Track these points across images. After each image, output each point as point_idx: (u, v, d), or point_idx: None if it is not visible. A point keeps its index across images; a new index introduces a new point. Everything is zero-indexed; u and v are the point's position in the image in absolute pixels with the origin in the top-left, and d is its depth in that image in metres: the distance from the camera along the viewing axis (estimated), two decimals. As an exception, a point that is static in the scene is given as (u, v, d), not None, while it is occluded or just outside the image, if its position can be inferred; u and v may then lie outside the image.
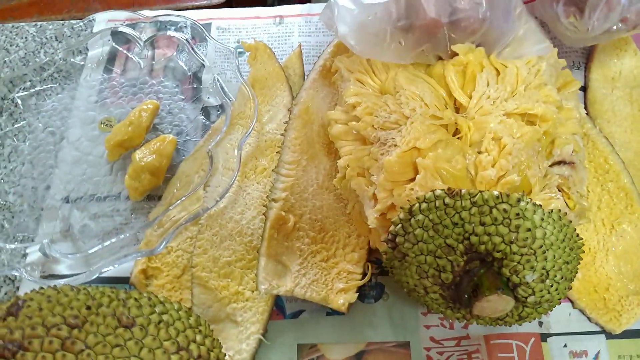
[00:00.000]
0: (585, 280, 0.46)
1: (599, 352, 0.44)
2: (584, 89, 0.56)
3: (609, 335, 0.45)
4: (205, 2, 0.91)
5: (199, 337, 0.34)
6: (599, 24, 0.48)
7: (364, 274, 0.46)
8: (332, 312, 0.47)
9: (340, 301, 0.44)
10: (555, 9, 0.49)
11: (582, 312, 0.46)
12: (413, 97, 0.38)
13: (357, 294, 0.45)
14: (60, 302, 0.31)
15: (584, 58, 0.58)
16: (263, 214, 0.47)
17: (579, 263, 0.37)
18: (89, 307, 0.31)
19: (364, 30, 0.40)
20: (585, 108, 0.54)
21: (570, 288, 0.37)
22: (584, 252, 0.37)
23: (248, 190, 0.50)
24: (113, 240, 0.46)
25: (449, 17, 0.38)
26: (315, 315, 0.47)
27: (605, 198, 0.47)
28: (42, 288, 0.34)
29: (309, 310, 0.47)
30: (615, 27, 0.49)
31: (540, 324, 0.45)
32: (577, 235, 0.36)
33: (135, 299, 0.33)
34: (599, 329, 0.45)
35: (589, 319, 0.45)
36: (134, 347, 0.30)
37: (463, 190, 0.33)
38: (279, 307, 0.47)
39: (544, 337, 0.45)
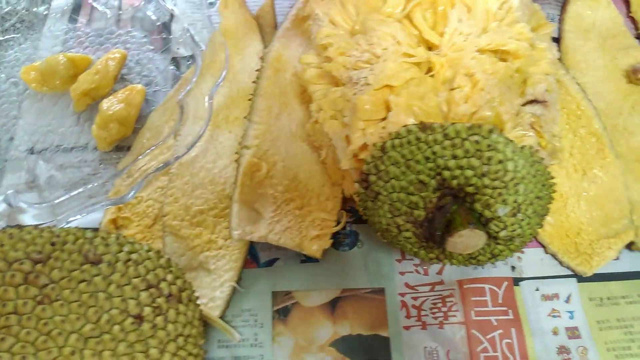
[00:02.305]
0: (557, 226, 0.46)
1: (570, 295, 0.45)
2: (557, 40, 0.56)
3: (580, 279, 0.45)
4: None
5: (169, 277, 0.33)
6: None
7: (339, 222, 0.46)
8: (307, 260, 0.46)
9: (314, 247, 0.44)
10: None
11: (554, 256, 0.46)
12: (384, 36, 0.37)
13: (331, 240, 0.45)
14: (22, 239, 0.30)
15: (558, 10, 0.58)
16: (235, 161, 0.46)
17: (551, 202, 0.37)
18: (53, 244, 0.30)
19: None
20: (559, 59, 0.54)
21: (541, 225, 0.37)
22: (555, 191, 0.37)
23: (220, 139, 0.49)
24: (80, 190, 0.45)
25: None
26: (290, 263, 0.46)
27: (578, 144, 0.47)
28: (3, 228, 0.32)
29: (284, 258, 0.47)
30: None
31: (513, 268, 0.46)
32: (549, 173, 0.36)
33: (103, 238, 0.32)
34: (570, 273, 0.46)
35: (561, 262, 0.46)
36: (101, 282, 0.29)
37: (435, 123, 0.33)
38: (253, 256, 0.47)
39: (516, 281, 0.45)
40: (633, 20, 0.57)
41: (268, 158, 0.46)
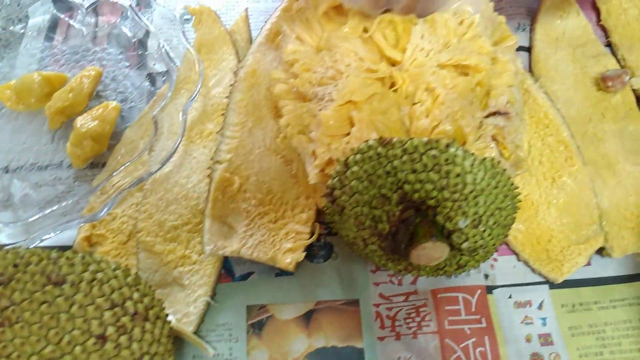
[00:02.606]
0: (528, 233, 0.47)
1: (542, 302, 0.46)
2: (528, 49, 0.57)
3: (552, 285, 0.46)
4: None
5: (136, 295, 0.33)
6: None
7: (313, 235, 0.46)
8: (282, 273, 0.47)
9: (287, 260, 0.44)
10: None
11: (526, 263, 0.47)
12: (347, 53, 0.38)
13: (304, 253, 0.45)
14: (-15, 262, 0.30)
15: (528, 20, 0.59)
16: (208, 176, 0.47)
17: (516, 211, 0.37)
18: (16, 265, 0.30)
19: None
20: (530, 68, 0.55)
21: (506, 235, 0.37)
22: (520, 201, 0.38)
23: (194, 155, 0.49)
24: (54, 207, 0.45)
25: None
26: (265, 276, 0.47)
27: (546, 152, 0.48)
28: (-30, 251, 0.33)
29: (258, 272, 0.47)
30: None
31: (486, 276, 0.46)
32: (513, 184, 0.36)
33: (67, 258, 0.33)
34: (542, 279, 0.46)
35: (533, 269, 0.46)
36: (63, 303, 0.29)
37: (394, 139, 0.33)
38: (228, 270, 0.47)
39: (489, 289, 0.46)
40: (603, 28, 0.57)
41: (241, 172, 0.47)
